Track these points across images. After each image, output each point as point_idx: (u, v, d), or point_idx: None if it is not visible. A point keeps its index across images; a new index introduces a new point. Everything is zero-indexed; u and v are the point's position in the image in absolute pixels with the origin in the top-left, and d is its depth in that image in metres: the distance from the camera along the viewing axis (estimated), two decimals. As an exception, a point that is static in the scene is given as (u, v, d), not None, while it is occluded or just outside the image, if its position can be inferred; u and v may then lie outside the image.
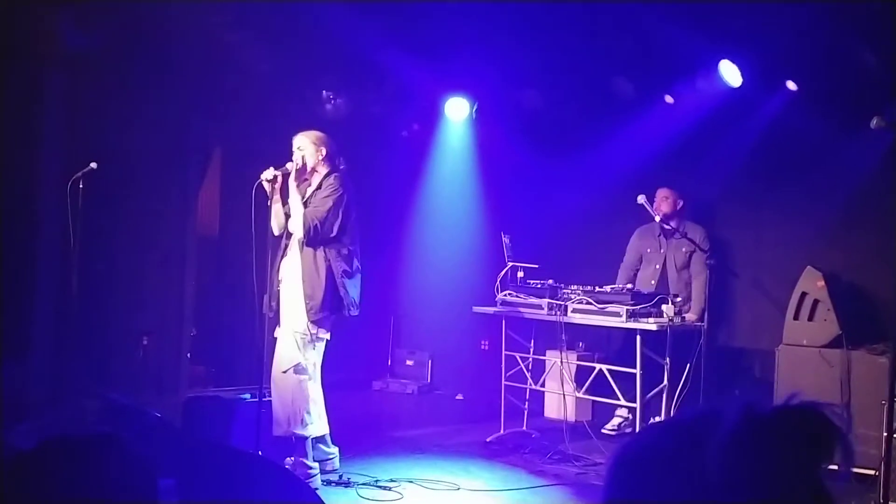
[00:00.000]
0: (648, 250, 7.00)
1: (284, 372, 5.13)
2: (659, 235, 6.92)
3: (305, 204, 5.19)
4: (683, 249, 6.75)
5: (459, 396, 8.72)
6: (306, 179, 5.32)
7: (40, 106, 6.43)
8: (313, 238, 5.14)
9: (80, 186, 5.76)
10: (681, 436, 1.06)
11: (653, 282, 6.78)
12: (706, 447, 0.99)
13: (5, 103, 6.15)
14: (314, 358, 5.21)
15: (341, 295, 5.23)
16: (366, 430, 6.89)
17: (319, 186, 5.24)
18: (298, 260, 5.18)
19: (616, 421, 6.94)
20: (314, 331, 5.16)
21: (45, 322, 6.51)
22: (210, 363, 7.84)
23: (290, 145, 5.35)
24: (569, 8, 5.93)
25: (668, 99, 7.04)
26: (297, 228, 5.16)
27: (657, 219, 6.19)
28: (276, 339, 5.29)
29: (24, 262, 6.49)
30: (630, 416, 6.87)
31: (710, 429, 1.01)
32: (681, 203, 6.82)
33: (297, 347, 5.12)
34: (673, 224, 6.81)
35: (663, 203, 6.80)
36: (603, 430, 6.82)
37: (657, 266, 6.91)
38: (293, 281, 5.19)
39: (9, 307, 6.37)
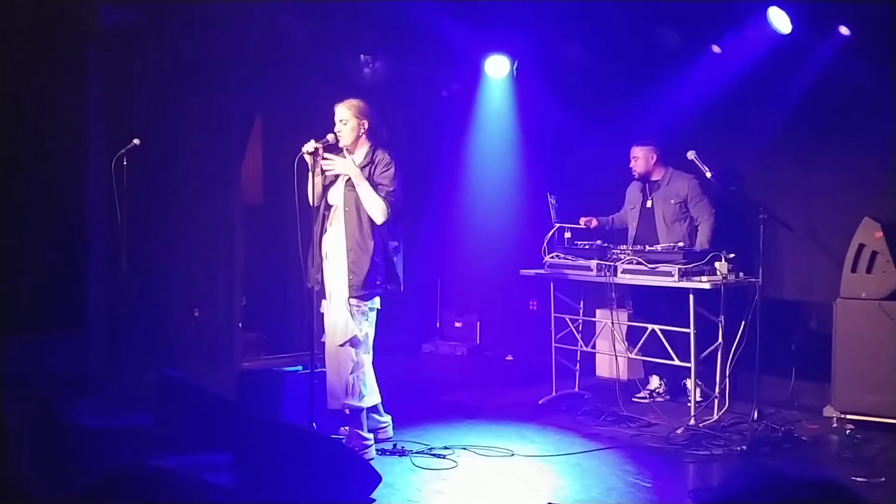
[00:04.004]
0: (631, 208, 6.90)
1: (341, 345, 5.12)
2: (642, 191, 6.80)
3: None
4: (672, 201, 6.61)
5: (509, 357, 8.71)
6: (350, 151, 5.27)
7: (82, 84, 6.43)
8: (392, 218, 5.10)
9: (125, 163, 5.78)
10: None
11: (630, 240, 6.74)
12: None
13: (48, 82, 6.17)
14: (367, 329, 5.20)
15: (396, 271, 5.21)
16: (417, 395, 6.92)
17: (372, 161, 5.18)
18: (343, 233, 5.14)
19: (651, 387, 6.83)
20: (363, 304, 5.14)
21: (98, 298, 6.58)
22: (261, 330, 7.89)
23: (330, 112, 5.28)
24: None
25: (716, 49, 6.84)
26: (375, 213, 5.07)
27: (708, 175, 6.04)
28: (322, 313, 5.27)
29: (74, 239, 6.56)
30: (664, 384, 6.79)
31: None
32: (654, 157, 6.67)
33: (351, 319, 5.11)
34: (655, 178, 6.69)
35: (634, 164, 6.70)
36: (634, 399, 6.71)
37: (634, 223, 6.82)
38: (340, 254, 5.16)
39: (62, 284, 6.46)
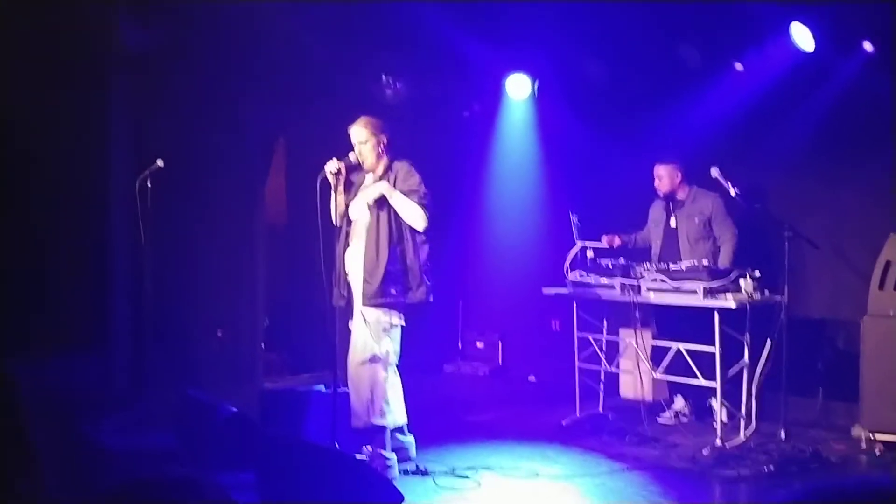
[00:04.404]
0: (654, 226, 6.85)
1: (361, 363, 5.11)
2: (665, 209, 6.75)
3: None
4: (696, 219, 6.55)
5: (532, 378, 8.66)
6: (372, 169, 5.28)
7: (106, 106, 6.50)
8: (430, 223, 5.13)
9: (149, 184, 5.82)
10: None
11: (654, 258, 6.68)
12: None
13: (72, 105, 6.24)
14: (390, 346, 5.18)
15: (427, 282, 5.21)
16: (440, 415, 6.88)
17: (391, 171, 5.20)
18: (361, 248, 5.15)
19: (675, 407, 6.73)
20: (384, 319, 5.13)
21: (122, 318, 6.61)
22: (284, 351, 7.90)
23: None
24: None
25: (738, 66, 6.81)
26: (415, 220, 5.11)
27: (732, 192, 6.00)
28: (349, 330, 5.28)
29: (98, 260, 6.61)
30: (688, 404, 6.70)
31: None
32: (679, 175, 6.61)
33: (372, 337, 5.10)
34: (679, 197, 6.63)
35: (658, 183, 6.65)
36: (658, 420, 6.63)
37: (657, 242, 6.76)
38: (360, 270, 5.16)
39: (86, 304, 6.50)
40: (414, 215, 5.10)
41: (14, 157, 6.22)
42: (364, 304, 5.10)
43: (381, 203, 5.14)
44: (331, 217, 5.24)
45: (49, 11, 5.81)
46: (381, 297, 5.08)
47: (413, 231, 5.16)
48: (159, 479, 1.25)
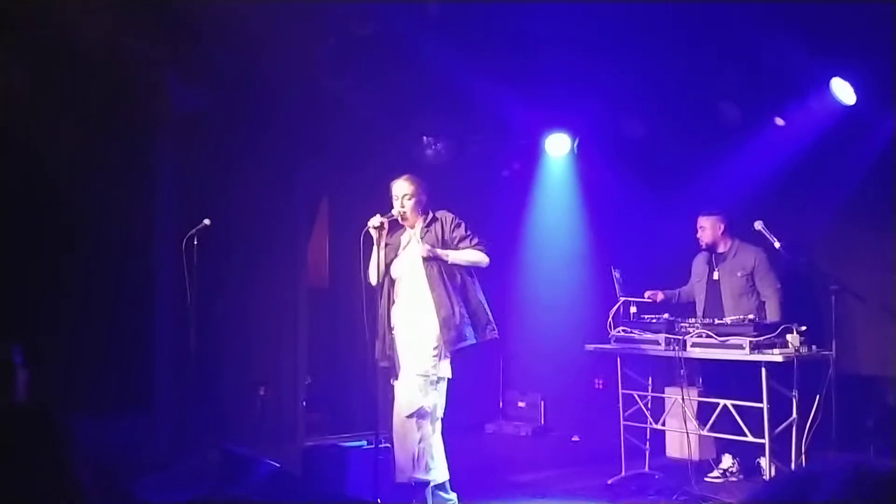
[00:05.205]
0: (697, 280, 6.77)
1: (408, 417, 5.11)
2: (708, 263, 6.68)
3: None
4: (739, 274, 6.46)
5: (575, 438, 8.53)
6: (411, 225, 5.35)
7: (155, 165, 6.66)
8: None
9: (195, 243, 5.88)
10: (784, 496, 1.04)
11: (699, 313, 6.57)
12: None
13: (121, 163, 6.40)
14: (436, 400, 5.19)
15: (492, 319, 5.31)
16: (482, 475, 6.77)
17: (435, 221, 5.35)
18: (411, 304, 5.19)
19: (723, 466, 6.58)
20: (436, 370, 5.15)
21: (166, 376, 6.68)
22: (326, 410, 7.89)
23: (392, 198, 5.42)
24: (671, 33, 5.81)
25: (779, 121, 6.81)
26: (479, 262, 5.33)
27: (777, 245, 5.95)
28: (392, 386, 5.28)
29: (143, 318, 6.70)
30: (737, 463, 6.54)
31: (814, 490, 0.99)
32: (722, 227, 6.54)
33: (419, 391, 5.11)
34: (721, 250, 6.57)
35: (701, 234, 6.59)
36: (706, 479, 6.46)
37: (701, 297, 6.67)
38: (410, 325, 5.19)
39: (131, 362, 6.58)
40: (475, 259, 5.31)
41: (64, 214, 6.37)
42: (448, 350, 5.17)
43: (436, 258, 5.25)
44: (370, 275, 5.30)
45: (100, 71, 6.00)
46: (461, 340, 5.19)
47: (470, 273, 5.31)
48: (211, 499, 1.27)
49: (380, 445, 5.08)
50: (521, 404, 9.07)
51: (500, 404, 9.25)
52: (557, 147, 8.01)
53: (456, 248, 5.27)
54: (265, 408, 7.16)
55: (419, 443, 5.09)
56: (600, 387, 8.33)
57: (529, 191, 8.68)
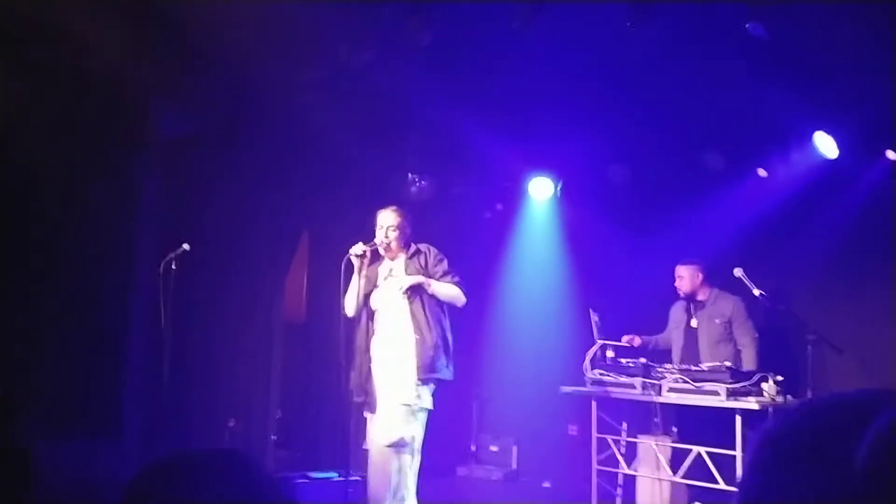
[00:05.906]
0: (675, 327, 6.80)
1: (388, 446, 5.04)
2: (686, 310, 6.71)
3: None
4: (717, 321, 6.49)
5: (546, 484, 8.42)
6: (392, 257, 5.34)
7: (136, 188, 6.61)
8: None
9: (173, 267, 5.80)
10: (832, 422, 1.01)
11: (675, 360, 6.58)
12: (859, 436, 0.95)
13: (101, 187, 6.34)
14: (416, 431, 5.14)
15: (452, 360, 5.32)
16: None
17: (419, 253, 5.34)
18: (392, 335, 5.17)
19: None
20: (419, 400, 5.12)
21: (136, 404, 6.55)
22: (295, 446, 7.76)
23: (376, 228, 5.40)
24: (656, 80, 5.88)
25: (761, 172, 6.88)
26: (457, 299, 5.37)
27: (756, 293, 5.97)
28: (366, 420, 5.22)
29: (115, 343, 6.59)
30: None
31: (866, 416, 0.96)
32: (700, 276, 6.59)
33: (401, 420, 5.05)
34: (700, 298, 6.60)
35: (679, 283, 6.63)
36: None
37: (678, 343, 6.70)
38: (391, 356, 5.15)
39: (101, 388, 6.45)
40: (453, 295, 5.32)
41: (42, 236, 6.30)
42: (420, 377, 5.13)
43: (418, 288, 5.23)
44: (347, 306, 5.28)
45: (85, 94, 5.98)
46: (433, 371, 5.17)
47: (447, 310, 5.33)
48: (204, 451, 1.24)
49: (349, 478, 5.00)
50: (493, 448, 8.96)
51: (473, 448, 9.14)
52: (541, 190, 8.04)
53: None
54: (233, 440, 7.03)
55: (398, 472, 5.02)
56: (574, 433, 8.26)
57: (510, 232, 8.68)
